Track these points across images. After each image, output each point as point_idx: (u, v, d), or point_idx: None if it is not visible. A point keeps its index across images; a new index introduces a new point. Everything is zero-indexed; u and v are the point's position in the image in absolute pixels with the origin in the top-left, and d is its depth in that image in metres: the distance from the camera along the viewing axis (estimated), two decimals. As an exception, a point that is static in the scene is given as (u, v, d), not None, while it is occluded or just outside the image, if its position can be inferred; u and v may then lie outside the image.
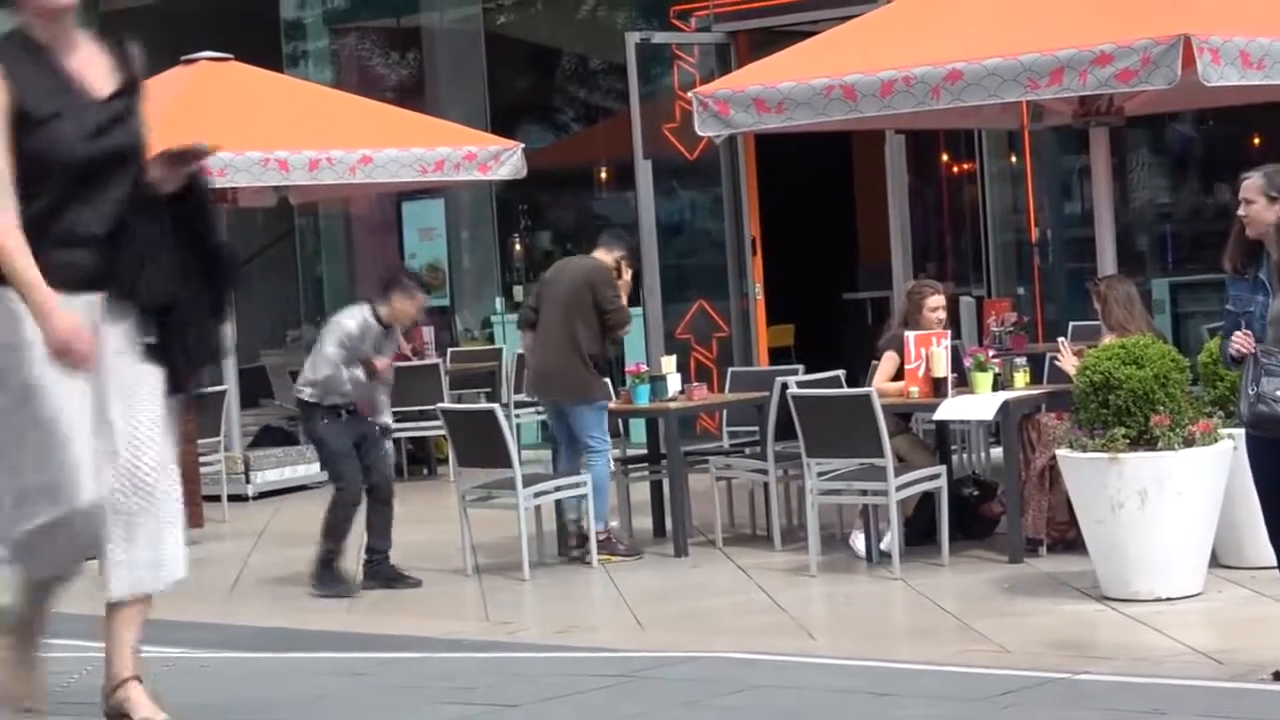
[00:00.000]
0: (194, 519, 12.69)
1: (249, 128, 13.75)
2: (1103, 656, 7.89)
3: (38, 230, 5.73)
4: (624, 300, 11.26)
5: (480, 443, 10.63)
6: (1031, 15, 10.43)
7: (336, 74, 19.01)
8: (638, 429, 12.59)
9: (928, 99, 10.19)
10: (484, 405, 11.66)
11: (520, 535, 10.55)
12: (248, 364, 16.39)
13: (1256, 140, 15.33)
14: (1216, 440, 8.79)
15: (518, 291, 17.87)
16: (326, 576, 10.27)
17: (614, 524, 11.19)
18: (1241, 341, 7.06)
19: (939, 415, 10.50)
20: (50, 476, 5.76)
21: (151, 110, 6.06)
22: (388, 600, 10.21)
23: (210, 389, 14.88)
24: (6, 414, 5.79)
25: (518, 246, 18.32)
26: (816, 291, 17.84)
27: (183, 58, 14.67)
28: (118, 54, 5.99)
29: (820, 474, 10.20)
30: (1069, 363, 10.00)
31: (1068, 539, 9.95)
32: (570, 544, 11.05)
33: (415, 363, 15.19)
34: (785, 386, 10.61)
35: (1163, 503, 8.68)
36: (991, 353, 10.94)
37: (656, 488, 11.63)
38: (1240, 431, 7.25)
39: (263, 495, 14.81)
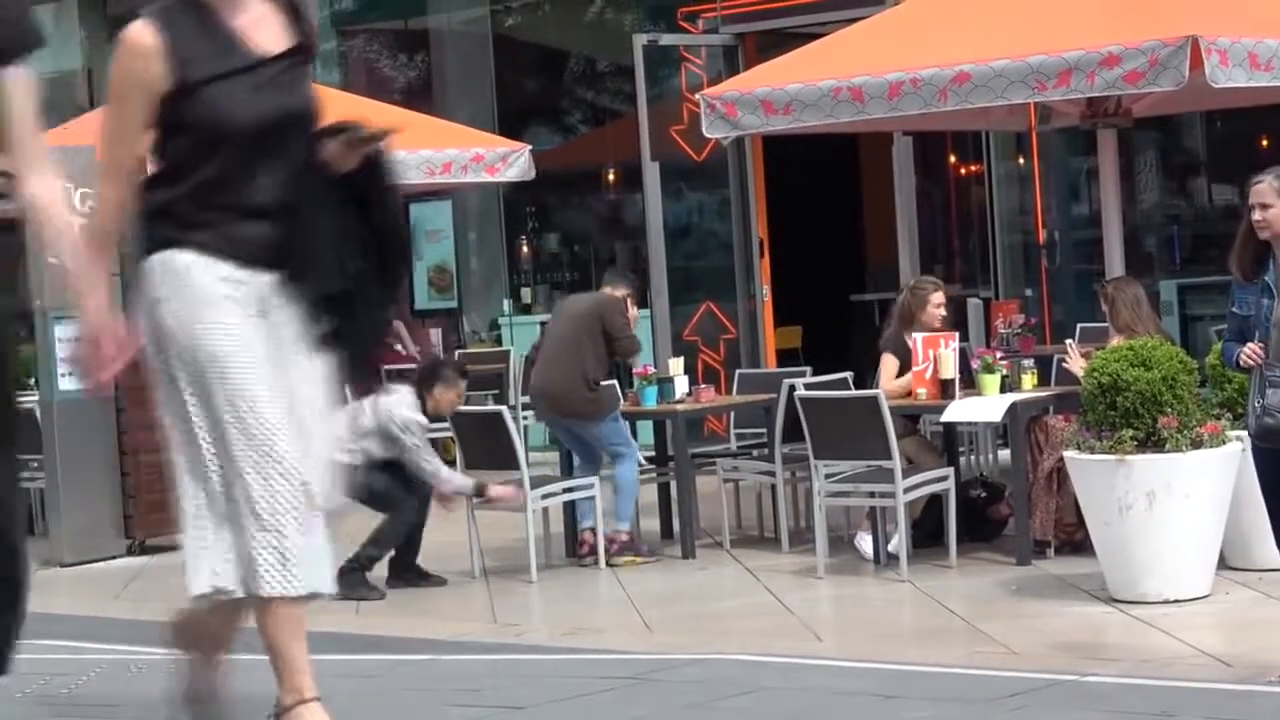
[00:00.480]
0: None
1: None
2: (1110, 658, 7.88)
3: (205, 201, 5.41)
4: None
5: (488, 444, 10.64)
6: (1039, 17, 10.43)
7: (344, 75, 19.02)
8: (645, 431, 12.59)
9: (935, 101, 10.19)
10: (492, 407, 11.66)
11: (528, 537, 10.55)
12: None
13: (1264, 142, 15.32)
14: (1224, 442, 8.78)
15: (525, 294, 17.89)
16: (355, 580, 10.22)
17: (623, 526, 11.16)
18: (1251, 354, 7.06)
19: (947, 417, 10.50)
20: (258, 449, 5.36)
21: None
22: (395, 602, 10.21)
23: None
24: (184, 388, 5.40)
25: (525, 248, 18.33)
26: (824, 293, 17.82)
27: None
28: (290, 13, 5.61)
29: (828, 476, 10.20)
30: (1077, 364, 10.00)
31: (1075, 541, 9.95)
32: (582, 551, 11.03)
33: (421, 365, 15.17)
34: (793, 388, 10.62)
35: (1170, 504, 8.67)
36: (999, 354, 10.94)
37: (664, 489, 11.64)
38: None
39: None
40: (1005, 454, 11.36)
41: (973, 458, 12.58)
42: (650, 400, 11.26)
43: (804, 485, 11.08)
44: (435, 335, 16.31)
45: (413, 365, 14.47)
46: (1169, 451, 8.71)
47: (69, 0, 19.39)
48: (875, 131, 13.84)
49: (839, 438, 10.10)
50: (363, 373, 5.87)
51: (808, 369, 12.58)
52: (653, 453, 11.84)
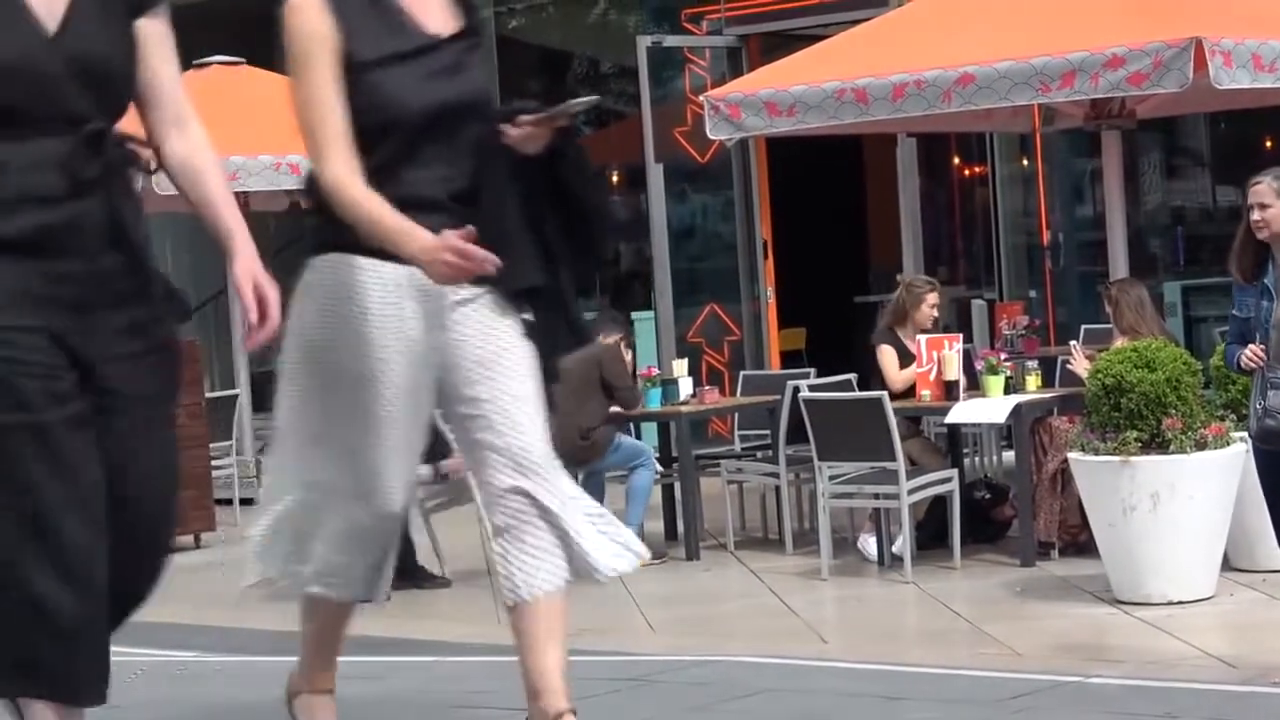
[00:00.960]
0: (207, 523, 12.76)
1: (261, 132, 13.76)
2: (1114, 660, 7.89)
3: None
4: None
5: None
6: (1043, 18, 10.43)
7: (348, 78, 19.00)
8: (649, 433, 12.59)
9: (939, 102, 10.19)
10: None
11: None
12: (260, 368, 16.39)
13: (1268, 143, 15.31)
14: (1229, 443, 8.78)
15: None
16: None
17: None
18: (1252, 355, 7.06)
19: (951, 419, 10.50)
20: (360, 480, 5.15)
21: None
22: (399, 604, 10.20)
23: (222, 393, 14.96)
24: (326, 399, 5.15)
25: (529, 249, 18.29)
26: (828, 295, 17.82)
27: (195, 62, 14.68)
28: None
29: (832, 477, 10.19)
30: (1081, 366, 9.99)
31: (1079, 542, 9.94)
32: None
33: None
34: (797, 390, 10.62)
35: (1174, 506, 8.67)
36: (1003, 356, 10.94)
37: (668, 491, 11.63)
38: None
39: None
40: (1009, 455, 11.35)
41: (977, 459, 12.58)
42: (654, 402, 11.27)
43: (808, 487, 11.08)
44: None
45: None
46: (1173, 453, 8.71)
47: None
48: (879, 133, 13.84)
49: (843, 439, 10.09)
50: (554, 374, 5.31)
51: (812, 370, 12.58)
52: (657, 454, 11.84)
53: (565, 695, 5.12)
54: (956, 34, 10.69)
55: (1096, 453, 8.88)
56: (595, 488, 11.07)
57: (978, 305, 14.88)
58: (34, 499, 4.26)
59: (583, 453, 10.83)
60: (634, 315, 14.46)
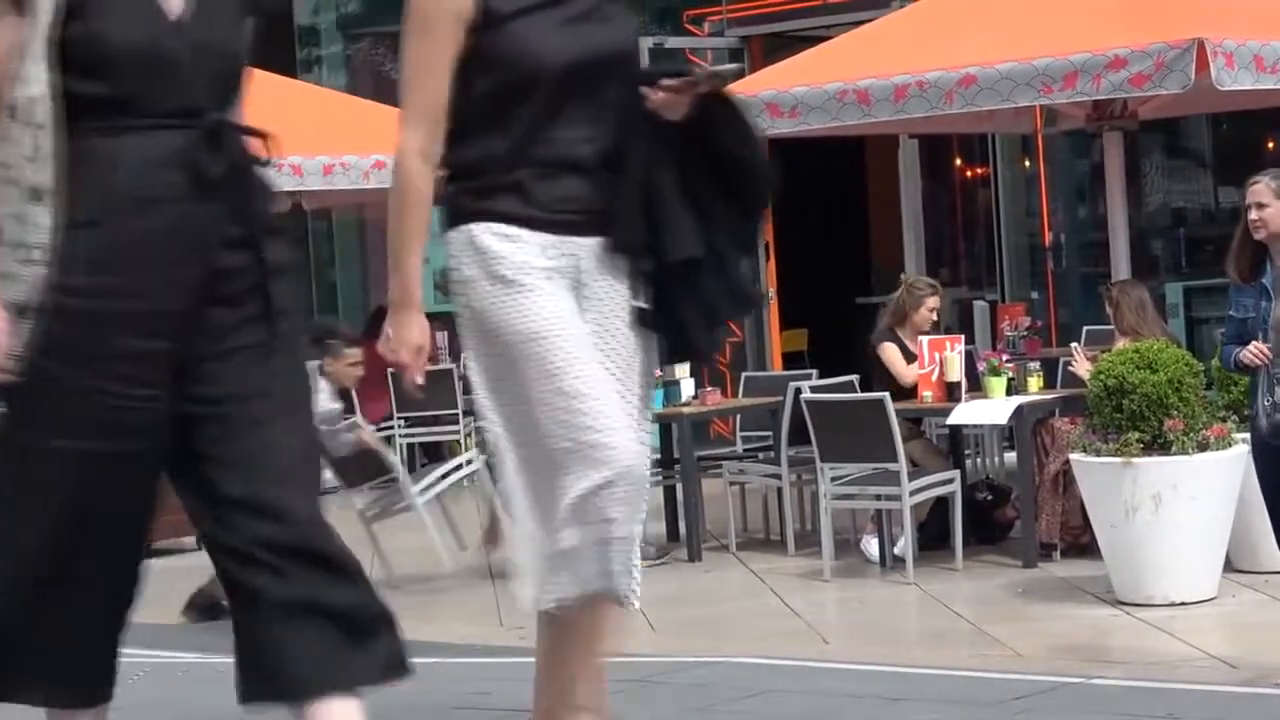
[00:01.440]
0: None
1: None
2: (1116, 661, 7.88)
3: (512, 158, 4.72)
4: None
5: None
6: (1045, 20, 10.43)
7: (351, 79, 19.02)
8: (651, 434, 12.58)
9: (941, 103, 10.19)
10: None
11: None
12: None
13: (1270, 144, 15.31)
14: (1230, 444, 8.77)
15: (531, 296, 17.84)
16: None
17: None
18: (1256, 352, 7.05)
19: (953, 420, 10.49)
20: (578, 437, 4.70)
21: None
22: (400, 605, 10.18)
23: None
24: (501, 379, 4.83)
25: (531, 250, 18.28)
26: (830, 296, 17.82)
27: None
28: None
29: (834, 478, 10.19)
30: (1082, 367, 9.99)
31: (1081, 544, 9.94)
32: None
33: (428, 368, 15.18)
34: (798, 391, 10.61)
35: (1177, 507, 8.67)
36: (1005, 357, 10.94)
37: (670, 492, 11.63)
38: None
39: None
40: (1011, 456, 11.35)
41: (978, 460, 12.58)
42: (656, 403, 11.26)
43: (810, 488, 11.08)
44: (441, 339, 16.29)
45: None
46: (1175, 454, 8.70)
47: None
48: (881, 134, 13.85)
49: (845, 440, 10.09)
50: (701, 349, 5.11)
51: (813, 372, 12.57)
52: (659, 455, 11.84)
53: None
54: (958, 35, 10.70)
55: (1098, 454, 8.88)
56: None
57: (979, 306, 14.88)
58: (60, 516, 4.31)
59: None
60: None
